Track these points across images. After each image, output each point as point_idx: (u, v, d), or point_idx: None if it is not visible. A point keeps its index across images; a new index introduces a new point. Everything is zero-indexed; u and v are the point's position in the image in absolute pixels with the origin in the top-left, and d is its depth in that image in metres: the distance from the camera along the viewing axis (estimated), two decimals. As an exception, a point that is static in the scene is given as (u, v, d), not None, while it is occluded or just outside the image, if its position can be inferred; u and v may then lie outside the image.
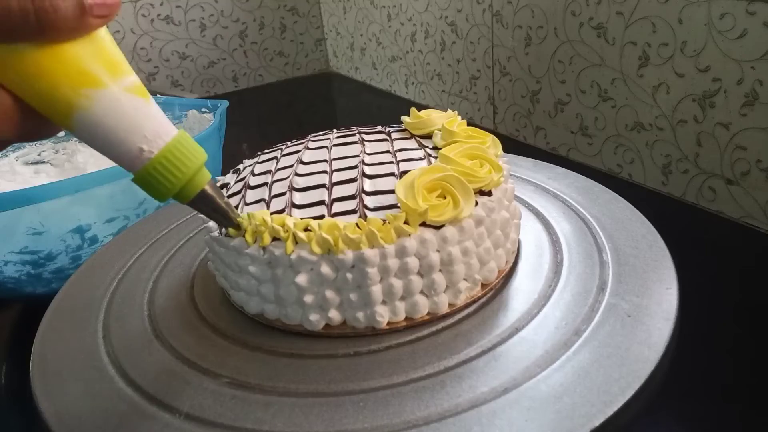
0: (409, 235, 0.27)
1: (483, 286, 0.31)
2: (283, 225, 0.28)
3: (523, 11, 0.67)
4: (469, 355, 0.27)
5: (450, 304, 0.29)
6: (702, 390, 0.35)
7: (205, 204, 0.25)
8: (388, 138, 0.37)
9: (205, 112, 0.60)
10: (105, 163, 0.64)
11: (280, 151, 0.37)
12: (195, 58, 1.07)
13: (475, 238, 0.29)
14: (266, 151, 0.38)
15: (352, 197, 0.30)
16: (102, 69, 0.21)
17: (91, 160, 0.63)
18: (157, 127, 0.22)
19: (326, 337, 0.29)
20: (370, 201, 0.29)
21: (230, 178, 0.36)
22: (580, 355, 0.26)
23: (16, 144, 0.64)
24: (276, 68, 1.15)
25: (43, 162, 0.65)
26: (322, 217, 0.29)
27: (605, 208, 0.37)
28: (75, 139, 0.67)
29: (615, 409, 0.23)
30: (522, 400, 0.24)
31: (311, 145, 0.37)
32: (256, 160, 0.37)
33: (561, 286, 0.31)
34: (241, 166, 0.37)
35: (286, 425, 0.24)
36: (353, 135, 0.38)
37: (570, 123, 0.65)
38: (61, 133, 0.66)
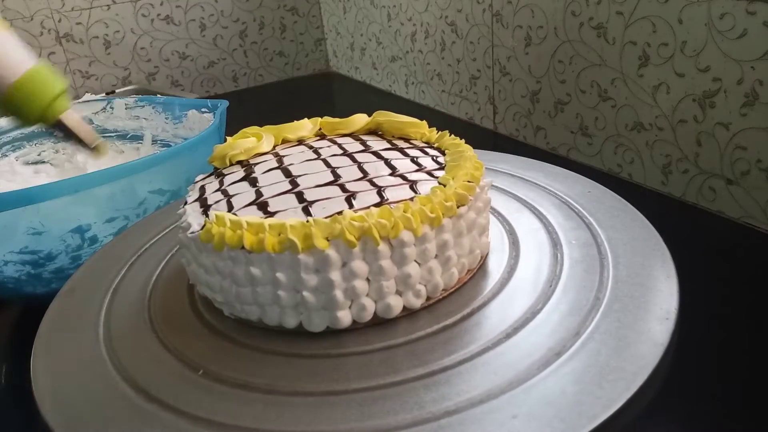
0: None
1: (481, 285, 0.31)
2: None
3: (523, 11, 0.67)
4: (467, 355, 0.27)
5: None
6: (702, 390, 0.35)
7: (64, 130, 0.29)
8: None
9: (205, 112, 0.60)
10: (105, 163, 0.64)
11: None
12: (195, 58, 1.07)
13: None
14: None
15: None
16: None
17: (91, 160, 0.63)
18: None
19: (330, 337, 0.29)
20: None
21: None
22: (580, 355, 0.26)
23: (16, 144, 0.64)
24: (276, 68, 1.15)
25: (43, 162, 0.65)
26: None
27: (605, 208, 0.37)
28: (75, 139, 0.67)
29: (614, 409, 0.23)
30: (520, 401, 0.24)
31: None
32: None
33: (561, 286, 0.31)
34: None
35: (282, 425, 0.24)
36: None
37: (570, 123, 0.65)
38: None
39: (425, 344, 0.28)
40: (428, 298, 0.30)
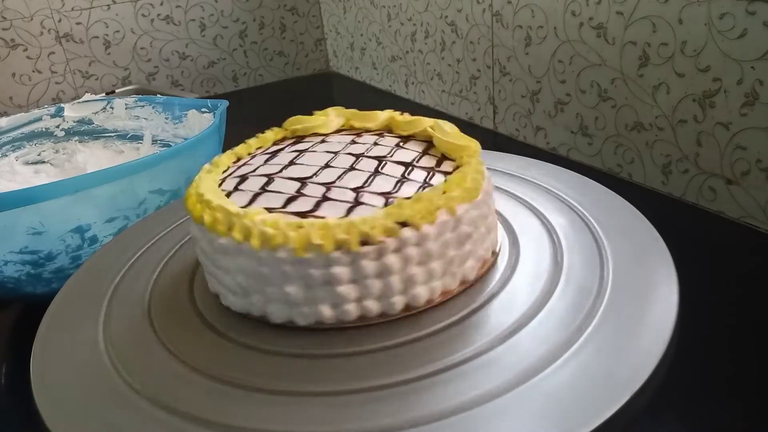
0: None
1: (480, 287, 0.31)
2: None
3: (523, 11, 0.67)
4: (469, 354, 0.27)
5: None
6: (702, 390, 0.35)
7: None
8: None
9: (205, 112, 0.60)
10: (105, 162, 0.64)
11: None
12: (195, 58, 1.07)
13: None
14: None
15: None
16: None
17: (91, 160, 0.63)
18: None
19: (337, 335, 0.29)
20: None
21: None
22: (580, 355, 0.26)
23: (16, 144, 0.64)
24: (276, 68, 1.15)
25: (43, 162, 0.65)
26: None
27: (605, 208, 0.37)
28: (75, 138, 0.67)
29: (615, 409, 0.23)
30: (521, 400, 0.24)
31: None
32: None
33: (561, 286, 0.31)
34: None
35: (288, 425, 0.24)
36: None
37: (570, 123, 0.65)
38: (61, 133, 0.66)
39: (430, 342, 0.28)
40: (431, 298, 0.30)
